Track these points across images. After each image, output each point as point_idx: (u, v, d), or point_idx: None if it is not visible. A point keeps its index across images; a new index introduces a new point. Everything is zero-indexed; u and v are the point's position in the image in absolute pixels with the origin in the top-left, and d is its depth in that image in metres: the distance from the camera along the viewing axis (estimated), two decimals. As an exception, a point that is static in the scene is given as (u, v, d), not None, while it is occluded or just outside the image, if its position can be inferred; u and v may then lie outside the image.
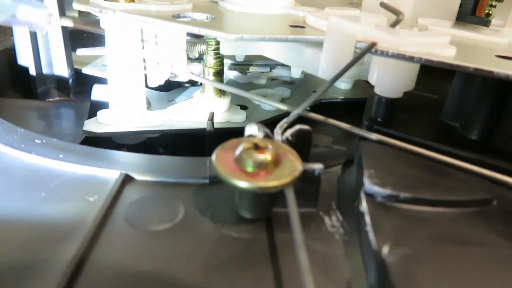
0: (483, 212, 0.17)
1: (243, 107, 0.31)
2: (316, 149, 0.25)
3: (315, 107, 0.30)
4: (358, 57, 0.18)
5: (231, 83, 0.37)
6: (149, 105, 0.29)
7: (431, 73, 0.24)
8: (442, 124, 0.23)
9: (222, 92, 0.29)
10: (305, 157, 0.18)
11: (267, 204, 0.17)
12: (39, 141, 0.21)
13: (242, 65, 0.39)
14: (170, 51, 0.27)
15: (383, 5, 0.23)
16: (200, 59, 0.38)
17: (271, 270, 0.15)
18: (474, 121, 0.22)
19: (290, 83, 0.38)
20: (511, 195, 0.18)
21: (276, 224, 0.17)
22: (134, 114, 0.26)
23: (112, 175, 0.19)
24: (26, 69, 0.33)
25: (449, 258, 0.14)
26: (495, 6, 0.27)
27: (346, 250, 0.16)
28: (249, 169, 0.15)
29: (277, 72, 0.39)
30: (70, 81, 0.34)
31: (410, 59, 0.17)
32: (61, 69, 0.34)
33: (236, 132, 0.18)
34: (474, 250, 0.15)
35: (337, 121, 0.21)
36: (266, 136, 0.17)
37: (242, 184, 0.15)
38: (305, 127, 0.18)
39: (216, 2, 0.28)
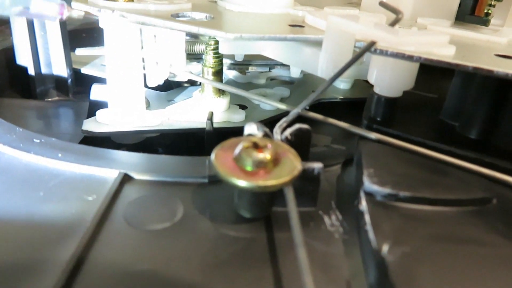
0: (483, 211, 0.17)
1: (243, 107, 0.31)
2: (315, 148, 0.25)
3: (314, 107, 0.30)
4: (357, 56, 0.18)
5: (231, 82, 0.37)
6: (148, 105, 0.29)
7: (431, 72, 0.24)
8: (442, 123, 0.23)
9: (221, 92, 0.29)
10: (305, 156, 0.18)
11: (266, 203, 0.17)
12: (38, 141, 0.21)
13: (241, 65, 0.39)
14: (169, 51, 0.27)
15: (382, 4, 0.23)
16: (199, 58, 0.38)
17: (270, 270, 0.15)
18: (473, 120, 0.22)
19: (289, 82, 0.38)
20: (511, 194, 0.18)
21: (276, 224, 0.17)
22: (133, 114, 0.26)
23: (111, 175, 0.19)
24: (25, 69, 0.33)
25: (448, 257, 0.14)
26: (494, 6, 0.27)
27: (346, 249, 0.16)
28: (248, 168, 0.15)
29: (277, 71, 0.39)
30: (69, 81, 0.34)
31: (409, 58, 0.17)
32: (60, 69, 0.34)
33: (236, 132, 0.18)
34: (473, 249, 0.15)
35: (336, 120, 0.21)
36: (266, 135, 0.17)
37: (241, 183, 0.15)
38: (305, 126, 0.17)
39: (215, 2, 0.28)
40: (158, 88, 0.31)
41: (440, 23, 0.26)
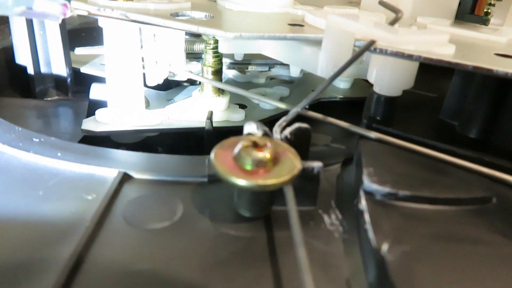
0: (482, 210, 0.17)
1: (242, 106, 0.31)
2: (315, 147, 0.25)
3: (314, 106, 0.30)
4: (357, 55, 0.18)
5: (230, 82, 0.37)
6: (147, 104, 0.29)
7: (430, 71, 0.24)
8: (441, 123, 0.23)
9: (221, 91, 0.29)
10: (304, 155, 0.17)
11: (266, 202, 0.17)
12: (37, 140, 0.21)
13: (241, 64, 0.39)
14: (168, 50, 0.27)
15: (382, 3, 0.23)
16: (199, 57, 0.38)
17: (270, 269, 0.15)
18: (473, 119, 0.22)
19: (289, 82, 0.38)
20: (510, 193, 0.18)
21: (275, 223, 0.17)
22: (132, 113, 0.26)
23: (110, 174, 0.19)
24: (24, 68, 0.33)
25: (448, 256, 0.14)
26: (494, 5, 0.27)
27: (345, 248, 0.16)
28: (248, 167, 0.15)
29: (276, 71, 0.39)
30: (69, 80, 0.34)
31: (409, 57, 0.17)
32: (60, 68, 0.34)
33: (235, 131, 0.18)
34: (473, 248, 0.15)
35: (336, 119, 0.20)
36: (265, 134, 0.17)
37: (241, 182, 0.15)
38: (304, 125, 0.17)
39: (215, 1, 0.28)
40: (158, 87, 0.31)
41: (439, 22, 0.26)
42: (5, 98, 0.33)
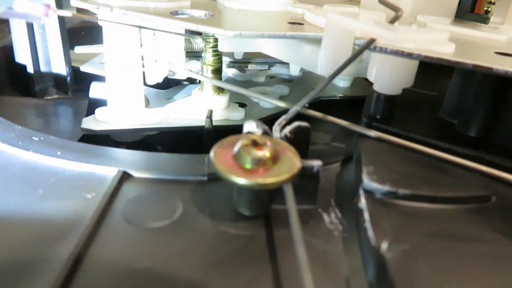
0: (482, 209, 0.17)
1: (242, 105, 0.31)
2: (314, 146, 0.25)
3: (314, 105, 0.30)
4: (357, 54, 0.18)
5: (230, 81, 0.37)
6: (147, 103, 0.29)
7: (430, 70, 0.24)
8: (441, 121, 0.23)
9: (220, 90, 0.29)
10: (304, 154, 0.17)
11: (265, 201, 0.17)
12: (37, 139, 0.21)
13: (240, 63, 0.39)
14: (168, 49, 0.27)
15: (382, 1, 0.23)
16: (198, 56, 0.37)
17: (269, 267, 0.15)
18: (473, 118, 0.22)
19: (288, 81, 0.38)
20: (510, 191, 0.18)
21: (275, 221, 0.17)
22: (132, 112, 0.26)
23: (110, 172, 0.19)
24: (24, 67, 0.33)
25: (447, 254, 0.14)
26: (494, 3, 0.27)
27: (345, 246, 0.16)
28: (248, 166, 0.15)
29: (276, 70, 0.39)
30: (68, 79, 0.34)
31: (409, 55, 0.17)
32: (59, 67, 0.34)
33: (235, 130, 0.18)
34: (472, 247, 0.15)
35: (336, 118, 0.20)
36: (265, 133, 0.17)
37: (241, 180, 0.15)
38: (304, 124, 0.17)
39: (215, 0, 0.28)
40: (157, 86, 0.31)
41: (439, 20, 0.26)
42: (5, 97, 0.33)
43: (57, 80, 0.34)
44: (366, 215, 0.16)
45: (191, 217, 0.17)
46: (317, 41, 0.21)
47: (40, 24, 0.32)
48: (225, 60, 0.38)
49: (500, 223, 0.16)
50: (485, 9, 0.26)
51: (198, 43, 0.33)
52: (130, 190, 0.18)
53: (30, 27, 0.32)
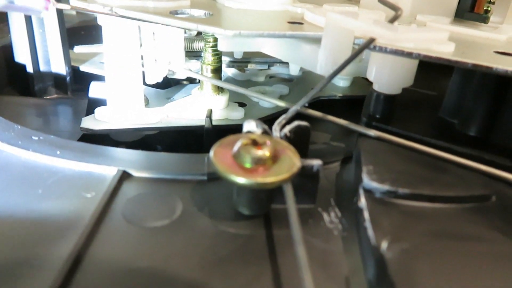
0: (482, 208, 0.17)
1: (242, 105, 0.31)
2: (314, 145, 0.25)
3: (313, 105, 0.30)
4: (356, 53, 0.18)
5: (229, 80, 0.37)
6: (147, 102, 0.29)
7: (430, 69, 0.24)
8: (441, 121, 0.23)
9: (220, 89, 0.29)
10: (304, 153, 0.17)
11: (265, 200, 0.17)
12: (36, 138, 0.21)
13: (240, 63, 0.39)
14: (168, 48, 0.27)
15: (381, 1, 0.23)
16: (198, 56, 0.37)
17: (269, 267, 0.15)
18: (472, 117, 0.22)
19: (288, 80, 0.38)
20: (510, 191, 0.18)
21: (275, 221, 0.17)
22: (132, 111, 0.26)
23: (109, 172, 0.19)
24: (23, 67, 0.33)
25: (447, 253, 0.14)
26: (493, 3, 0.27)
27: (345, 246, 0.16)
28: (247, 165, 0.15)
29: (276, 69, 0.39)
30: (68, 78, 0.34)
31: (409, 55, 0.17)
32: (59, 67, 0.34)
33: (235, 129, 0.18)
34: (472, 246, 0.15)
35: (335, 117, 0.20)
36: (264, 132, 0.17)
37: (240, 180, 0.15)
38: (304, 123, 0.17)
39: (214, -1, 0.28)
40: (157, 85, 0.31)
41: (439, 20, 0.26)
42: (5, 97, 0.33)
43: (57, 80, 0.34)
44: (366, 214, 0.16)
45: (190, 217, 0.17)
46: (316, 40, 0.21)
47: (39, 18, 0.32)
48: (225, 59, 0.38)
49: (500, 222, 0.16)
50: (484, 8, 0.26)
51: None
52: (129, 189, 0.18)
53: (29, 26, 0.32)
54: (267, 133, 0.17)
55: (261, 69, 0.39)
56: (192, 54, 0.37)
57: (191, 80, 0.36)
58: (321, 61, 0.20)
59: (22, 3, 0.19)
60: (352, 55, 0.18)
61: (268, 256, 0.15)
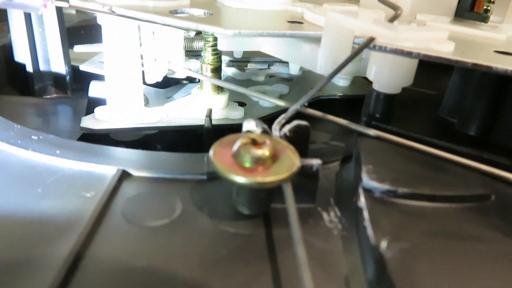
0: (481, 208, 0.17)
1: (241, 104, 0.31)
2: (314, 145, 0.25)
3: (313, 104, 0.30)
4: (356, 52, 0.18)
5: (229, 80, 0.37)
6: (147, 102, 0.29)
7: (430, 69, 0.24)
8: (441, 120, 0.23)
9: (220, 89, 0.29)
10: (303, 152, 0.17)
11: (265, 199, 0.17)
12: (36, 138, 0.21)
13: (240, 62, 0.39)
14: (167, 48, 0.27)
15: (381, 0, 0.23)
16: (198, 55, 0.37)
17: (269, 266, 0.15)
18: (472, 117, 0.22)
19: (288, 80, 0.38)
20: (509, 190, 0.18)
21: (274, 220, 0.17)
22: (131, 111, 0.26)
23: (109, 171, 0.19)
24: (23, 66, 0.33)
25: (447, 253, 0.14)
26: (493, 2, 0.27)
27: (344, 245, 0.16)
28: (247, 164, 0.15)
29: (275, 69, 0.39)
30: (68, 78, 0.34)
31: (408, 54, 0.17)
32: (58, 66, 0.34)
33: (234, 129, 0.18)
34: (472, 245, 0.15)
35: (335, 117, 0.20)
36: (264, 131, 0.17)
37: (240, 179, 0.15)
38: (303, 122, 0.17)
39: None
40: (157, 85, 0.31)
41: (439, 19, 0.26)
42: (4, 96, 0.33)
43: (57, 79, 0.34)
44: (366, 214, 0.16)
45: (190, 216, 0.17)
46: (316, 40, 0.21)
47: (39, 17, 0.32)
48: (225, 59, 0.38)
49: (500, 221, 0.16)
50: (484, 8, 0.26)
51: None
52: (129, 189, 0.18)
53: (29, 25, 0.32)
54: (266, 132, 0.17)
55: (261, 69, 0.39)
56: (192, 53, 0.37)
57: (191, 80, 0.36)
58: (321, 60, 0.20)
59: (20, 1, 0.19)
60: (352, 54, 0.18)
61: (267, 255, 0.15)
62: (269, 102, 0.27)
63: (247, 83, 0.36)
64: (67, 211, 0.16)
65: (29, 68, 0.33)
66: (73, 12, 0.46)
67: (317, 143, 0.27)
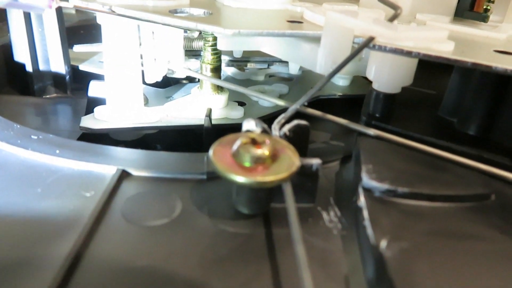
0: (481, 207, 0.17)
1: (241, 104, 0.31)
2: (314, 144, 0.25)
3: (313, 104, 0.30)
4: (356, 52, 0.18)
5: (229, 79, 0.37)
6: (146, 102, 0.29)
7: (429, 68, 0.24)
8: (440, 120, 0.23)
9: (219, 89, 0.29)
10: (303, 152, 0.17)
11: (264, 199, 0.17)
12: (36, 137, 0.21)
13: (240, 62, 0.39)
14: (167, 47, 0.27)
15: (381, 0, 0.23)
16: (197, 55, 0.37)
17: (268, 265, 0.15)
18: (472, 116, 0.22)
19: (288, 79, 0.38)
20: (509, 190, 0.18)
21: (274, 220, 0.17)
22: (131, 111, 0.26)
23: (108, 171, 0.19)
24: (22, 66, 0.33)
25: (446, 252, 0.14)
26: (493, 2, 0.27)
27: (344, 245, 0.16)
28: (247, 164, 0.15)
29: (275, 68, 0.39)
30: (67, 77, 0.34)
31: (408, 54, 0.17)
32: (58, 66, 0.34)
33: (234, 129, 0.18)
34: (471, 245, 0.15)
35: (335, 116, 0.20)
36: (264, 131, 0.17)
37: (240, 179, 0.15)
38: (303, 122, 0.17)
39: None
40: (157, 84, 0.31)
41: (439, 19, 0.26)
42: (4, 96, 0.33)
43: (56, 79, 0.34)
44: (365, 213, 0.16)
45: (190, 216, 0.17)
46: (316, 39, 0.21)
47: (39, 17, 0.32)
48: (224, 58, 0.38)
49: (499, 221, 0.16)
50: (484, 7, 0.26)
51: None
52: (129, 188, 0.18)
53: (29, 25, 0.32)
54: (266, 132, 0.17)
55: (261, 68, 0.39)
56: (192, 53, 0.37)
57: (191, 79, 0.36)
58: (320, 60, 0.20)
59: (26, 1, 0.19)
60: (351, 54, 0.18)
61: (267, 255, 0.15)
62: (268, 101, 0.27)
63: (247, 82, 0.36)
64: (67, 211, 0.16)
65: (29, 68, 0.33)
66: (73, 11, 0.46)
67: (316, 143, 0.27)
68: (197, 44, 0.34)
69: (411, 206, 0.16)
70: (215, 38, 0.28)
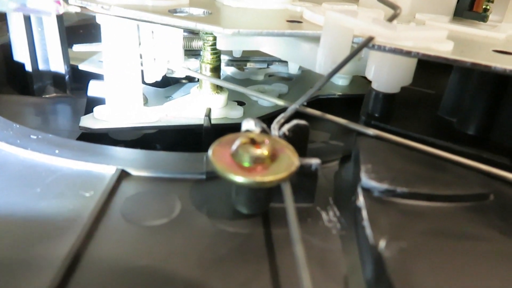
0: (480, 207, 0.17)
1: (241, 103, 0.31)
2: (313, 144, 0.25)
3: (312, 103, 0.30)
4: (355, 52, 0.18)
5: (229, 79, 0.37)
6: (146, 101, 0.29)
7: (429, 68, 0.24)
8: (440, 119, 0.23)
9: (219, 88, 0.29)
10: (302, 152, 0.17)
11: (263, 199, 0.17)
12: (35, 137, 0.21)
13: (239, 61, 0.39)
14: (167, 47, 0.27)
15: None
16: (197, 54, 0.37)
17: (268, 265, 0.15)
18: (471, 116, 0.22)
19: (287, 79, 0.38)
20: (508, 189, 0.18)
21: (273, 219, 0.17)
22: (131, 110, 0.26)
23: (108, 171, 0.19)
24: (22, 65, 0.33)
25: (445, 252, 0.14)
26: (492, 1, 0.27)
27: (343, 245, 0.16)
28: (246, 164, 0.15)
29: (275, 68, 0.39)
30: (67, 77, 0.34)
31: (407, 53, 0.17)
32: (58, 65, 0.34)
33: (234, 128, 0.18)
34: (470, 245, 0.15)
35: (334, 116, 0.20)
36: (263, 131, 0.17)
37: (239, 179, 0.15)
38: (302, 122, 0.17)
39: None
40: (156, 84, 0.31)
41: (438, 18, 0.26)
42: (3, 95, 0.33)
43: (56, 79, 0.34)
44: (364, 213, 0.16)
45: (189, 215, 0.17)
46: (315, 39, 0.21)
47: (38, 16, 0.32)
48: (224, 58, 0.38)
49: (498, 221, 0.16)
50: (483, 7, 0.26)
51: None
52: (128, 188, 0.18)
53: (28, 25, 0.32)
54: (265, 132, 0.17)
55: (260, 68, 0.39)
56: (191, 52, 0.37)
57: (190, 79, 0.36)
58: (320, 59, 0.20)
59: (34, 5, 0.19)
60: (351, 53, 0.18)
61: (266, 254, 0.15)
62: (268, 101, 0.27)
63: (246, 82, 0.36)
64: (66, 211, 0.16)
65: (28, 68, 0.33)
66: (73, 11, 0.46)
67: (316, 143, 0.27)
68: (197, 44, 0.34)
69: (410, 206, 0.16)
70: (214, 38, 0.28)
